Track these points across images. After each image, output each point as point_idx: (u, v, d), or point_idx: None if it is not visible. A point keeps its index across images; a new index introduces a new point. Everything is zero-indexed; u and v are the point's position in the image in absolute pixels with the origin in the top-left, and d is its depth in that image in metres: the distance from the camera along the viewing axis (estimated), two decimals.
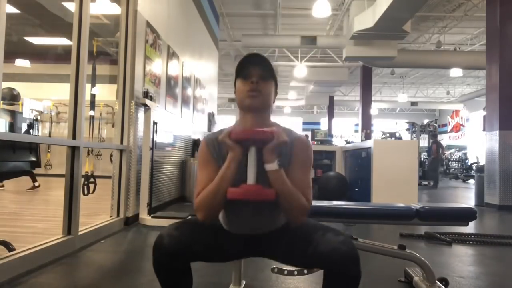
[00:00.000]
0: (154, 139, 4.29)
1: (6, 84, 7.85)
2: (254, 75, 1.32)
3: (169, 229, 1.26)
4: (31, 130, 8.03)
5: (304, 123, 24.22)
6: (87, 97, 4.13)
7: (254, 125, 1.34)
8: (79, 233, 2.91)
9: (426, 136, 12.90)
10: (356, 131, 15.62)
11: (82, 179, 3.74)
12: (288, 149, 1.33)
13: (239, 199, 1.22)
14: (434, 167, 10.99)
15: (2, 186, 6.49)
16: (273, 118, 1.45)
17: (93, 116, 7.61)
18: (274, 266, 2.01)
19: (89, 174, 5.08)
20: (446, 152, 10.74)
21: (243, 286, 2.03)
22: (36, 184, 6.29)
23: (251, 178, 1.25)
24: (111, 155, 4.97)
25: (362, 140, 10.41)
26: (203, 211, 1.27)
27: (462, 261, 2.89)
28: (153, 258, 1.24)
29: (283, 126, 1.40)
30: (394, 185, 5.24)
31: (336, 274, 1.16)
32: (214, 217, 1.32)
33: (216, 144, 1.34)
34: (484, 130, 6.70)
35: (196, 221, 1.31)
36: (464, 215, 1.94)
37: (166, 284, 1.28)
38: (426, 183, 11.24)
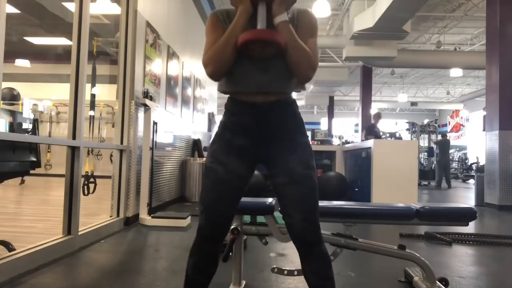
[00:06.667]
0: (154, 139, 4.29)
1: (6, 84, 7.87)
2: None
3: (199, 219, 1.31)
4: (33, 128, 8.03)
5: (304, 123, 24.18)
6: (87, 97, 4.13)
7: None
8: (79, 233, 2.91)
9: (426, 136, 12.91)
10: (356, 131, 15.60)
11: (82, 179, 3.74)
12: (294, 21, 1.32)
13: (248, 40, 1.21)
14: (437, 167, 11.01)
15: None
16: None
17: (93, 116, 7.62)
18: (274, 266, 2.01)
19: (89, 174, 5.08)
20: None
21: (243, 286, 2.03)
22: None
23: (260, 25, 1.26)
24: (111, 155, 4.97)
25: (362, 140, 10.41)
26: (212, 64, 1.27)
27: (462, 261, 2.89)
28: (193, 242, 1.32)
29: None
30: (394, 185, 5.25)
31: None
32: (222, 71, 1.29)
33: (225, 15, 1.35)
34: (484, 130, 6.70)
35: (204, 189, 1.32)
36: (464, 215, 1.94)
37: (196, 267, 1.32)
38: (426, 183, 11.28)
